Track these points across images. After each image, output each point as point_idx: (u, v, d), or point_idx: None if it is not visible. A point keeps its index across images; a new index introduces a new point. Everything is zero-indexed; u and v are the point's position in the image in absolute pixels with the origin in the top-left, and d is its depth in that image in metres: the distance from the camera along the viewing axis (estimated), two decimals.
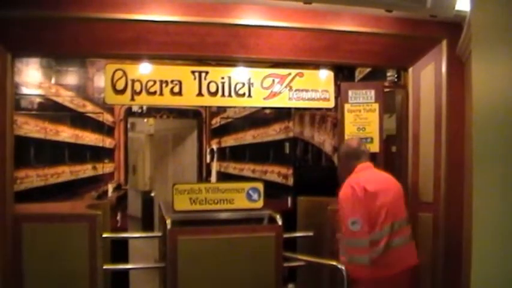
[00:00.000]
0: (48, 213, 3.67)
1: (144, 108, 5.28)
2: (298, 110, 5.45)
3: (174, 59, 4.14)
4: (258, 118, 5.64)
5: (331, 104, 4.50)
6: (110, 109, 4.98)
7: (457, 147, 3.70)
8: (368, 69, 5.08)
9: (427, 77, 4.02)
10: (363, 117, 4.21)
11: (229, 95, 4.25)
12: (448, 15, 3.38)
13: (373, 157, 4.03)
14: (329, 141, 5.75)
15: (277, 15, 3.56)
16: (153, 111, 5.50)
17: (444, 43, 3.77)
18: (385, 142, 4.30)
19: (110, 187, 4.99)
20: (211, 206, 3.83)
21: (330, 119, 5.56)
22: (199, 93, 4.19)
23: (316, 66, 4.41)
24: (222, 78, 4.22)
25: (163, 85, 4.11)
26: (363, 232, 2.97)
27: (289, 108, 5.30)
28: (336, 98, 4.49)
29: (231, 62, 4.21)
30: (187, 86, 4.15)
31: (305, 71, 4.40)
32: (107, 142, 5.04)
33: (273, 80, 4.34)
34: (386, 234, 3.00)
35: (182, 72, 4.16)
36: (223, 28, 3.57)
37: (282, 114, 5.62)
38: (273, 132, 5.70)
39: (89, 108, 4.97)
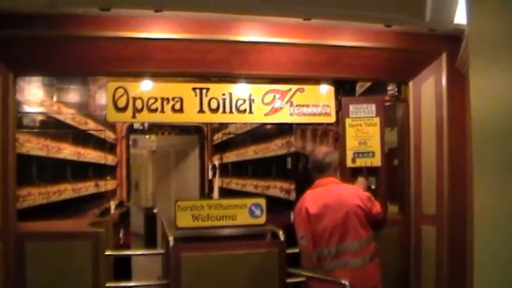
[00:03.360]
0: (51, 231, 3.69)
1: (146, 125, 5.31)
2: (299, 125, 5.49)
3: (176, 76, 4.18)
4: (260, 133, 5.67)
5: (332, 118, 4.55)
6: (112, 126, 5.03)
7: (459, 159, 3.70)
8: (369, 84, 5.12)
9: (428, 90, 4.05)
10: (364, 132, 4.24)
11: (230, 112, 4.30)
12: (447, 29, 3.41)
13: (375, 171, 4.15)
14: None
15: (278, 31, 3.60)
16: (155, 128, 5.52)
17: (444, 56, 3.81)
18: (387, 155, 4.30)
19: (113, 204, 4.99)
20: (213, 223, 3.84)
21: (332, 133, 5.57)
22: (201, 110, 4.23)
23: (317, 81, 4.47)
24: (223, 94, 4.27)
25: (165, 102, 4.16)
26: (308, 247, 3.01)
27: (291, 124, 5.30)
28: (337, 112, 4.52)
29: (232, 79, 4.27)
30: (188, 102, 4.19)
31: (306, 86, 4.46)
32: (109, 159, 5.05)
33: (274, 96, 4.39)
34: (334, 254, 2.99)
35: (183, 89, 4.21)
36: (224, 45, 3.61)
37: (283, 129, 5.65)
38: (274, 147, 5.73)
39: (91, 125, 5.01)
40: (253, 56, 3.77)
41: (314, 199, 3.09)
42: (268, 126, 5.69)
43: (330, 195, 3.11)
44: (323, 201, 3.07)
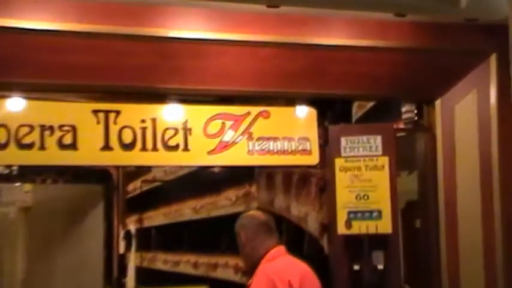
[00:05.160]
0: None
1: (16, 168, 5.32)
2: (264, 168, 5.54)
3: (65, 91, 4.18)
4: (202, 181, 5.67)
5: (314, 159, 4.60)
6: None
7: None
8: (371, 104, 5.19)
9: (466, 112, 4.09)
10: (364, 179, 4.33)
11: (154, 148, 4.31)
12: (494, 18, 3.50)
13: (382, 241, 4.28)
14: (314, 216, 5.72)
15: (231, 23, 3.61)
16: (29, 173, 5.51)
17: (493, 59, 3.84)
18: (403, 215, 4.41)
19: None
20: None
21: (315, 180, 5.57)
22: (106, 146, 4.23)
23: (290, 100, 4.53)
24: (143, 121, 4.31)
25: (46, 133, 4.13)
26: None
27: (251, 167, 5.35)
28: (322, 148, 4.58)
29: (157, 97, 4.32)
30: (85, 134, 4.19)
31: (273, 109, 4.53)
32: None
33: (223, 124, 4.43)
34: None
35: (78, 113, 4.21)
36: (146, 43, 3.59)
37: (239, 174, 5.66)
38: (226, 203, 5.77)
39: None
40: (192, 61, 3.80)
41: (290, 271, 3.35)
42: (216, 170, 5.65)
43: (300, 268, 3.41)
44: (299, 273, 3.37)
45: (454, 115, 4.24)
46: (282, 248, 3.51)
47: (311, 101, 4.56)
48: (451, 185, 4.26)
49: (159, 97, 4.33)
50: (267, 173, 5.72)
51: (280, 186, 5.86)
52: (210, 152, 4.44)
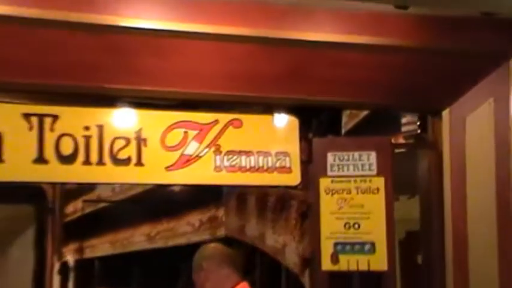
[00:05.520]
0: None
1: None
2: (234, 189, 5.48)
3: None
4: (159, 202, 5.58)
5: (294, 178, 4.51)
6: None
7: None
8: (364, 113, 5.19)
9: (480, 125, 4.01)
10: (355, 204, 4.28)
11: (100, 162, 4.20)
12: None
13: (376, 279, 4.20)
14: (293, 247, 5.55)
15: (197, 13, 3.50)
16: None
17: None
18: (402, 247, 4.40)
19: None
20: None
21: (295, 204, 5.41)
22: (40, 158, 4.12)
23: (268, 107, 4.51)
24: (86, 128, 4.20)
25: None
26: None
27: (218, 187, 5.28)
28: (305, 166, 4.52)
29: (104, 99, 4.26)
30: (14, 142, 4.11)
31: (246, 117, 4.49)
32: None
33: (185, 133, 4.37)
34: None
35: (4, 117, 4.13)
36: (91, 33, 3.48)
37: (203, 195, 5.59)
38: (187, 229, 5.65)
39: None
40: (148, 57, 3.73)
41: None
42: (176, 190, 5.51)
43: None
44: None
45: (465, 128, 4.13)
46: (246, 286, 3.55)
47: (292, 109, 4.49)
48: (460, 213, 4.12)
49: (107, 100, 4.23)
50: (238, 194, 5.63)
51: (253, 210, 5.68)
52: (168, 168, 4.32)
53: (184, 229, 5.55)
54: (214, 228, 5.55)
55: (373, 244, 4.23)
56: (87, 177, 4.34)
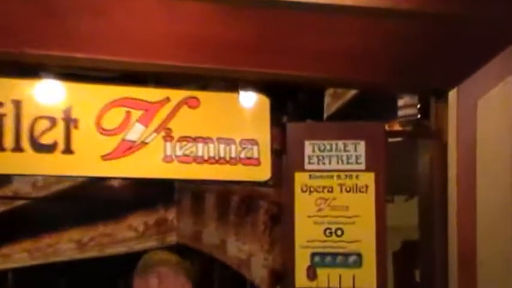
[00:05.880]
0: None
1: None
2: (188, 184, 5.28)
3: None
4: (93, 200, 5.46)
5: (263, 172, 4.37)
6: None
7: None
8: (352, 93, 5.02)
9: (494, 109, 3.91)
10: (338, 205, 4.10)
11: (18, 148, 3.98)
12: None
13: None
14: (260, 258, 5.38)
15: None
16: None
17: None
18: (396, 260, 4.21)
19: None
20: None
21: (264, 205, 5.21)
22: None
23: (231, 83, 4.41)
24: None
25: None
26: None
27: (168, 182, 5.10)
28: (277, 157, 4.43)
29: (23, 68, 4.12)
30: None
31: (204, 95, 4.35)
32: None
33: (128, 114, 4.19)
34: None
35: None
36: None
37: (150, 192, 5.33)
38: (128, 235, 5.57)
39: None
40: (80, 17, 3.55)
41: None
42: (115, 184, 5.49)
43: None
44: None
45: (476, 114, 4.01)
46: None
47: (262, 86, 4.34)
48: (468, 219, 3.97)
49: (27, 69, 4.05)
50: (193, 192, 5.47)
51: (213, 212, 5.54)
52: (105, 157, 4.10)
53: (125, 235, 5.41)
54: (163, 233, 5.41)
55: (359, 255, 4.04)
56: (0, 167, 4.21)
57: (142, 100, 4.18)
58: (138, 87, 4.24)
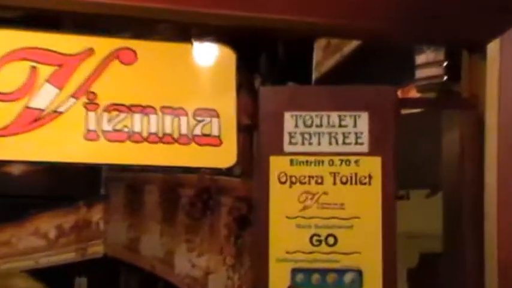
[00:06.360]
0: None
1: None
2: (121, 171, 4.99)
3: None
4: None
5: (228, 157, 3.96)
6: None
7: None
8: (352, 45, 4.77)
9: None
10: (330, 203, 3.64)
11: None
12: None
13: None
14: (223, 276, 4.88)
15: None
16: None
17: None
18: (412, 278, 4.07)
19: None
20: None
21: (229, 202, 4.78)
22: None
23: (182, 30, 4.03)
24: None
25: None
26: None
27: (92, 167, 4.71)
28: (246, 134, 4.49)
29: None
30: None
31: (143, 45, 3.89)
32: None
33: (33, 70, 3.66)
34: None
35: None
36: None
37: (66, 183, 4.99)
38: (35, 243, 5.11)
39: None
40: None
41: None
42: (15, 172, 5.33)
43: None
44: None
45: None
46: None
47: (227, 34, 3.95)
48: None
49: None
50: (128, 184, 4.99)
51: (155, 211, 5.10)
52: (0, 132, 3.59)
53: (29, 243, 4.82)
54: (84, 241, 4.87)
55: (359, 273, 3.48)
56: None
57: (54, 52, 3.62)
58: (49, 33, 3.68)
